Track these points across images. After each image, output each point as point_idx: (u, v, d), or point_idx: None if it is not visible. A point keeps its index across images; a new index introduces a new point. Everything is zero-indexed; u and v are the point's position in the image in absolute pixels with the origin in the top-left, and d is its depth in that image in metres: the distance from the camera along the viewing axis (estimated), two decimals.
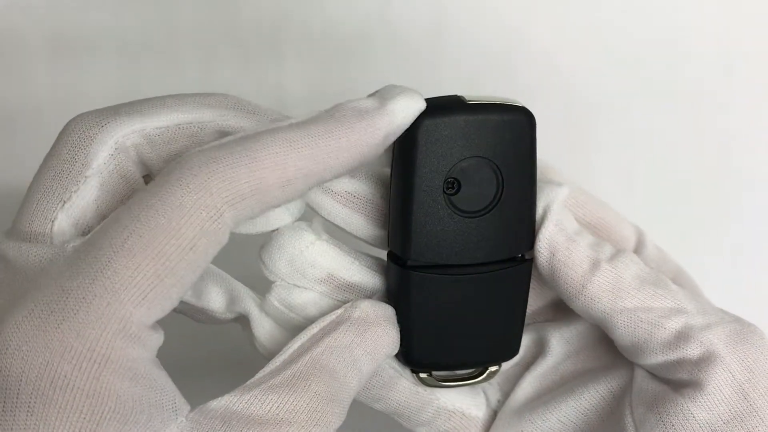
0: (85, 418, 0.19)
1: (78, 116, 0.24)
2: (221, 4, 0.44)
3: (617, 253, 0.27)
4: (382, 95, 0.24)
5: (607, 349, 0.28)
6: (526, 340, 0.30)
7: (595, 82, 0.45)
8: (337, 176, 0.24)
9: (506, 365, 0.30)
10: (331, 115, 0.23)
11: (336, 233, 0.28)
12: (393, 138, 0.24)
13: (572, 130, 0.46)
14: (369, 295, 0.27)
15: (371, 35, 0.45)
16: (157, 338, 0.22)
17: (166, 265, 0.21)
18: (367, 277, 0.27)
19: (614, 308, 0.26)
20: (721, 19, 0.45)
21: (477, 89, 0.45)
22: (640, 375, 0.27)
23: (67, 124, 0.24)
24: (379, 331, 0.25)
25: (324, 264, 0.27)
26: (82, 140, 0.23)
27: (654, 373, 0.27)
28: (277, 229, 0.26)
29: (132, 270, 0.21)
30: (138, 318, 0.21)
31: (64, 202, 0.23)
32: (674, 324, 0.26)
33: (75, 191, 0.23)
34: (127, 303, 0.20)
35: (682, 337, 0.26)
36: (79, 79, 0.44)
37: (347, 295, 0.27)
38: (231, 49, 0.45)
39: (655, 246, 0.30)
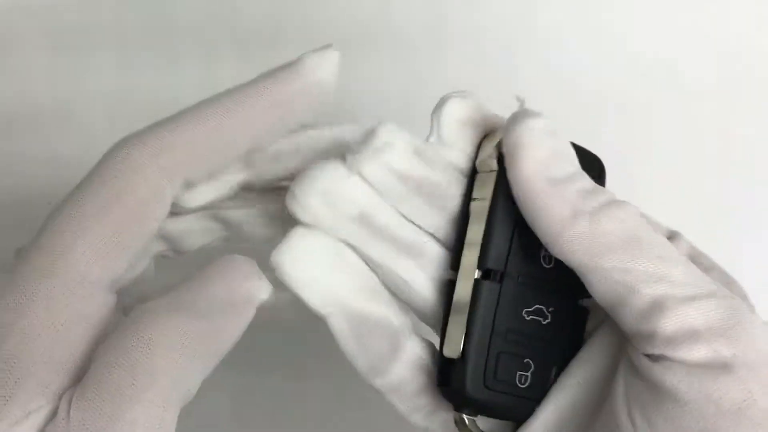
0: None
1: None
2: (221, 4, 0.44)
3: (610, 203, 0.24)
4: None
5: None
6: None
7: (596, 81, 0.45)
8: (273, 126, 0.25)
9: None
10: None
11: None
12: (313, 86, 0.25)
13: (572, 130, 0.46)
14: (405, 250, 0.26)
15: (371, 35, 0.45)
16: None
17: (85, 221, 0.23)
18: (404, 227, 0.26)
19: (588, 265, 0.24)
20: (723, 17, 0.45)
21: (477, 89, 0.45)
22: (624, 367, 0.25)
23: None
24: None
25: (358, 200, 0.25)
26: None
27: (637, 353, 0.24)
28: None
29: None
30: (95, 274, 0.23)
31: None
32: (650, 290, 0.23)
33: None
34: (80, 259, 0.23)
35: (657, 306, 0.23)
36: (78, 79, 0.44)
37: (376, 248, 0.25)
38: (231, 49, 0.45)
39: (692, 247, 0.27)
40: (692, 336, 0.23)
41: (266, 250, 0.26)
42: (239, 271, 0.24)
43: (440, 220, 0.26)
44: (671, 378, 0.23)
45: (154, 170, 0.24)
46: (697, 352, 0.23)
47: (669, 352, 0.23)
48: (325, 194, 0.25)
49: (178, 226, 0.28)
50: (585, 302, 0.27)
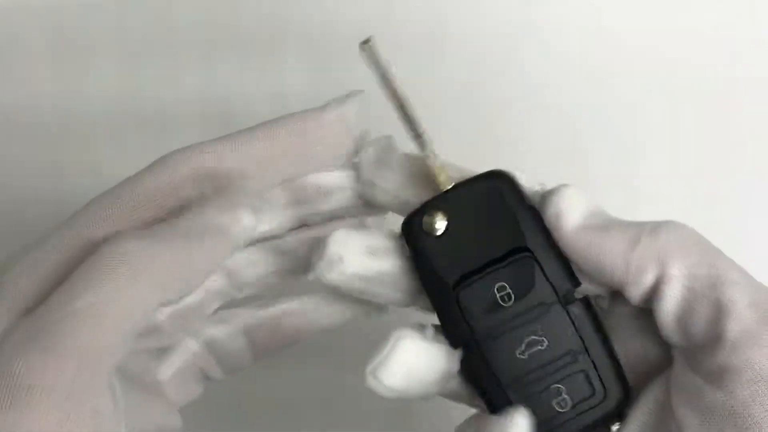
0: None
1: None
2: (221, 4, 0.44)
3: (657, 223, 0.26)
4: None
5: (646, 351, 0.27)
6: None
7: (596, 81, 0.45)
8: (302, 156, 0.27)
9: None
10: None
11: None
12: (333, 121, 0.27)
13: (572, 130, 0.46)
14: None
15: (371, 35, 0.45)
16: None
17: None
18: None
19: (661, 276, 0.25)
20: (723, 17, 0.45)
21: (477, 90, 0.45)
22: (678, 368, 0.25)
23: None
24: None
25: (439, 366, 0.26)
26: None
27: (693, 360, 0.25)
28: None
29: None
30: None
31: None
32: (719, 294, 0.24)
33: None
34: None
35: (723, 310, 0.24)
36: (79, 80, 0.44)
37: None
38: (231, 49, 0.45)
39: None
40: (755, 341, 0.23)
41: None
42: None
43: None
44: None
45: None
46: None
47: (732, 359, 0.23)
48: (409, 374, 0.26)
49: (233, 259, 0.28)
50: (578, 295, 0.27)
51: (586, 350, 0.26)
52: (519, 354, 0.26)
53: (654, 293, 0.25)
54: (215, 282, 0.28)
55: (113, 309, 0.22)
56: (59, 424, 0.21)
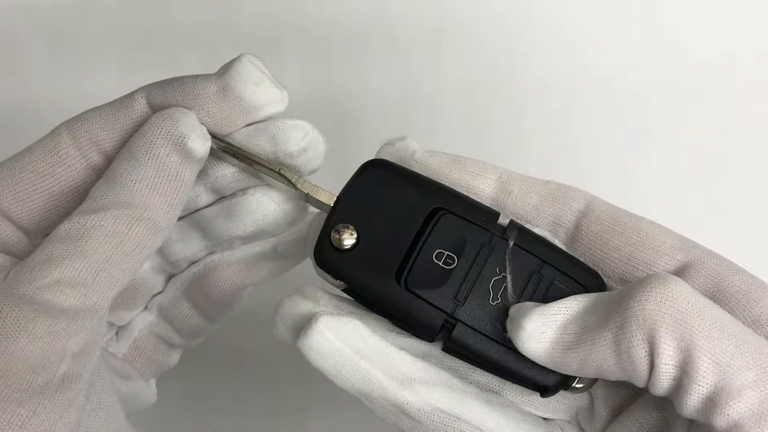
0: None
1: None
2: (221, 4, 0.45)
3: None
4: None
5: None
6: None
7: (594, 81, 0.46)
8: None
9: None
10: None
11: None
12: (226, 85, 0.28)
13: (570, 130, 0.46)
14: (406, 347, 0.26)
15: (371, 35, 0.45)
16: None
17: None
18: (383, 329, 0.26)
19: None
20: (722, 16, 0.46)
21: (476, 89, 0.45)
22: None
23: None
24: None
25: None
26: None
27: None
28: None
29: None
30: None
31: None
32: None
33: None
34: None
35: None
36: (79, 79, 0.44)
37: None
38: (231, 49, 0.45)
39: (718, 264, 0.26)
40: None
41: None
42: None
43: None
44: None
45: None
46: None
47: None
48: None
49: None
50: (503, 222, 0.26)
51: (545, 262, 0.25)
52: (492, 302, 0.25)
53: (679, 386, 0.22)
54: (149, 260, 0.29)
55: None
56: None
